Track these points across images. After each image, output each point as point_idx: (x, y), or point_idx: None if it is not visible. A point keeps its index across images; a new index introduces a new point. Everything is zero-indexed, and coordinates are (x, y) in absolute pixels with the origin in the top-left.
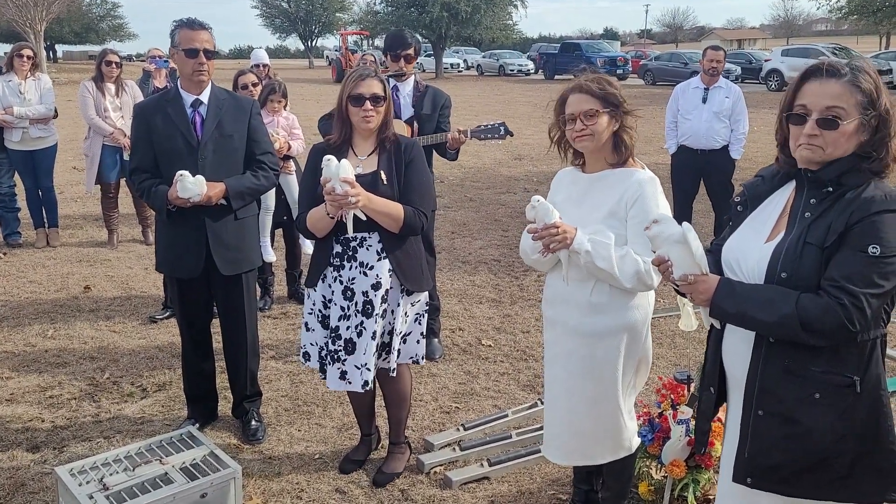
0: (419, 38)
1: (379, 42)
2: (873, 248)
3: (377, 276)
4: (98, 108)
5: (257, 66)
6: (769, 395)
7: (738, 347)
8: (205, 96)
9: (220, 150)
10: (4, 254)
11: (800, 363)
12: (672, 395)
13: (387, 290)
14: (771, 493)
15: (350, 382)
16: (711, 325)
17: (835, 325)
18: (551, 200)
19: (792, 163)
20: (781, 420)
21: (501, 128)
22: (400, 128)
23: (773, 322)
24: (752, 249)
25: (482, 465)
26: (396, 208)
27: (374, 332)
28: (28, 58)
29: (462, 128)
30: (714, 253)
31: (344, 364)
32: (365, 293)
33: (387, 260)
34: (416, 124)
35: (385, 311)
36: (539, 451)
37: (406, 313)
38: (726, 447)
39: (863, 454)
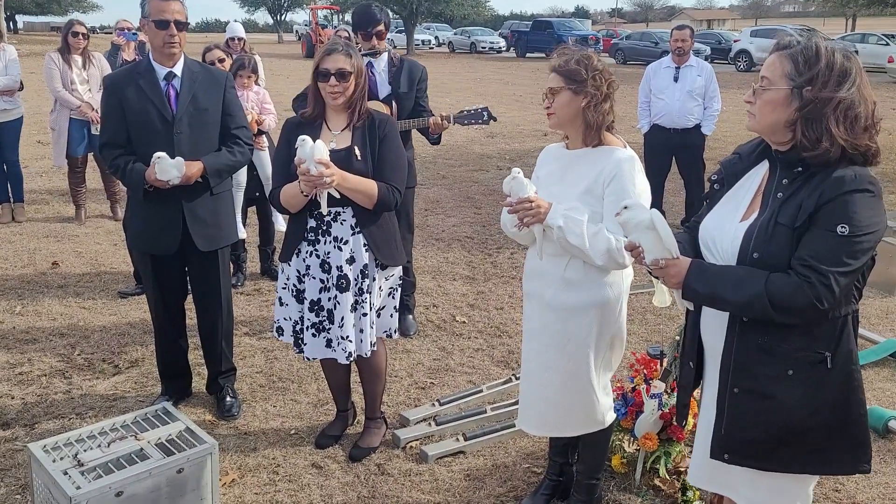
0: (388, 11)
1: (350, 17)
2: (842, 227)
3: (351, 250)
4: (64, 80)
5: (233, 39)
6: (744, 372)
7: (715, 325)
8: (178, 69)
9: (195, 124)
10: None
11: (772, 341)
12: (645, 370)
13: (364, 265)
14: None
15: (335, 350)
16: None
17: (804, 304)
18: (535, 174)
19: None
20: (756, 397)
21: (485, 113)
22: (377, 107)
23: (743, 301)
24: (727, 229)
25: (458, 439)
26: (370, 185)
27: (351, 305)
28: None
29: (445, 113)
30: (691, 230)
31: (329, 332)
32: (339, 268)
33: (361, 235)
34: (394, 104)
35: (368, 286)
36: (513, 426)
37: (381, 287)
38: (702, 423)
39: (835, 428)
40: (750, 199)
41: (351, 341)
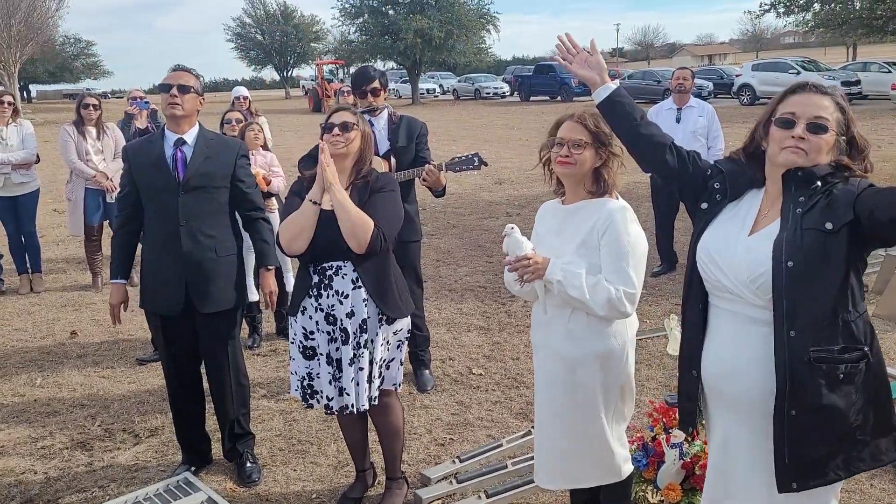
0: (388, 68)
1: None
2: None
3: (351, 305)
4: (80, 151)
5: (238, 98)
6: (800, 390)
7: (738, 362)
8: (190, 136)
9: (202, 191)
10: None
11: (822, 348)
12: (664, 419)
13: (364, 320)
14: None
15: (344, 397)
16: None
17: None
18: (535, 231)
19: (758, 168)
20: (813, 412)
21: (475, 158)
22: (377, 163)
23: None
24: (735, 243)
25: (479, 496)
26: (366, 221)
27: (350, 359)
28: (9, 104)
29: (436, 162)
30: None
31: (340, 381)
32: (341, 321)
33: (362, 289)
34: (392, 158)
35: (365, 340)
36: (534, 481)
37: (388, 341)
38: (745, 470)
39: (877, 419)
40: (754, 216)
41: (349, 394)
